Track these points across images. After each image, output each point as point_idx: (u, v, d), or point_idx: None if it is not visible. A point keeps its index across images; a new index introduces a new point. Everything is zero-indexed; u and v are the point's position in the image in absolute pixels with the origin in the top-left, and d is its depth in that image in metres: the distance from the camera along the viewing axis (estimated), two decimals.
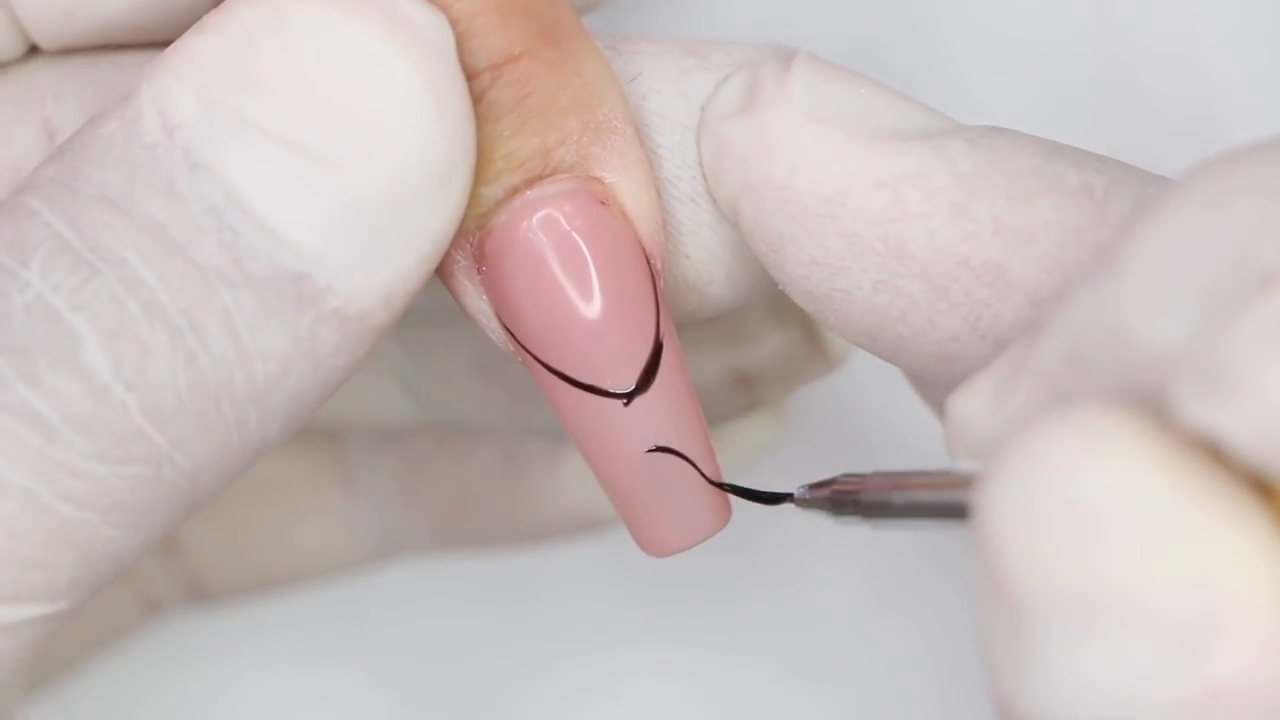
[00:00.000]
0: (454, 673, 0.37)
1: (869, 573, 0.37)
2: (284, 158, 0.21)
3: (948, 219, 0.23)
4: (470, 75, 0.22)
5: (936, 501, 0.22)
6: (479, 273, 0.23)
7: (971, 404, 0.21)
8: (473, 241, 0.23)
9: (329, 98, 0.21)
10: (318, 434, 0.32)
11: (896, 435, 0.38)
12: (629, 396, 0.24)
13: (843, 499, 0.23)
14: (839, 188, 0.23)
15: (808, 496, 0.24)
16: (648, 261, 0.23)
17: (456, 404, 0.30)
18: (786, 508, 0.24)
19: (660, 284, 0.24)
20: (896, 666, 0.37)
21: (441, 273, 0.24)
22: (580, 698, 0.37)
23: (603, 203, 0.23)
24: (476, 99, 0.22)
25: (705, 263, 0.24)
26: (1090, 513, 0.17)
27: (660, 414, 0.24)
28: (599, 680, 0.37)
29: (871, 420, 0.38)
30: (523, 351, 0.24)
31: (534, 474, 0.32)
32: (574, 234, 0.23)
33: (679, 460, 0.24)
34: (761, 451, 0.32)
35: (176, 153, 0.21)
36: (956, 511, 0.22)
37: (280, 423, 0.22)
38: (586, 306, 0.23)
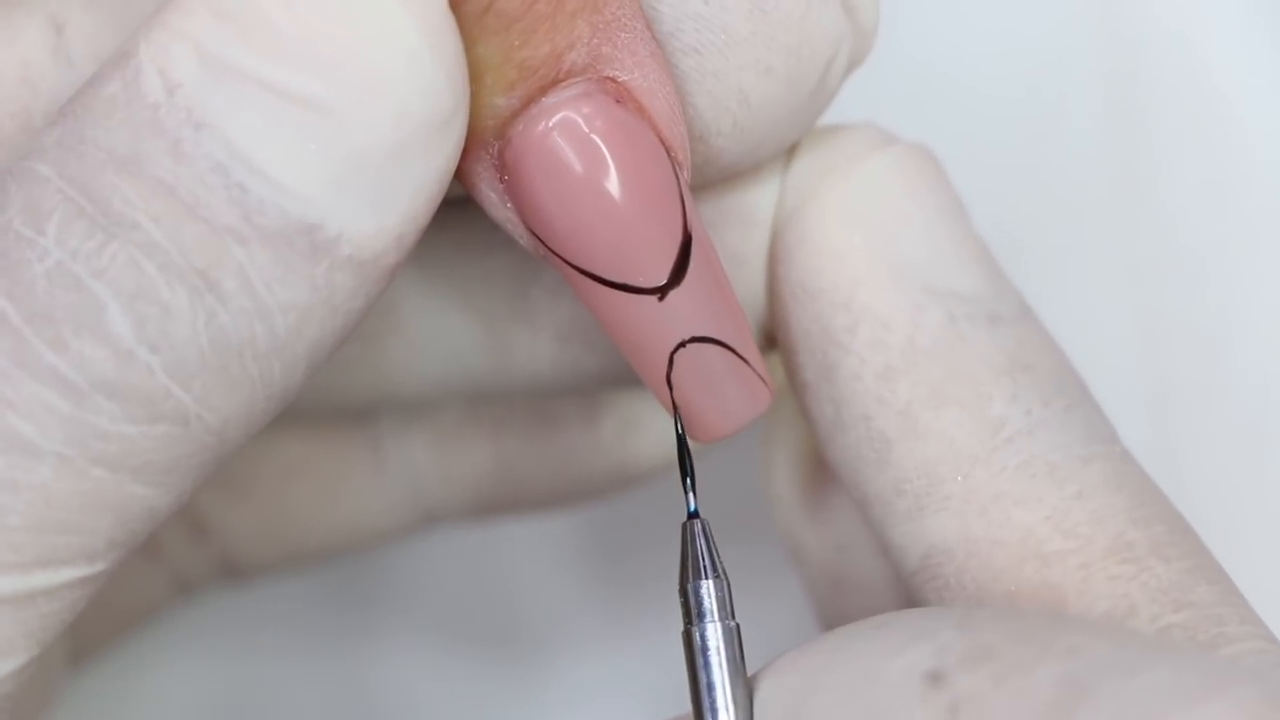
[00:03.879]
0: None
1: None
2: (286, 111, 0.21)
3: (878, 375, 0.25)
4: None
5: None
6: (501, 182, 0.23)
7: None
8: (492, 152, 0.23)
9: (327, 48, 0.21)
10: (347, 414, 0.32)
11: None
12: (662, 291, 0.24)
13: None
14: (819, 286, 0.25)
15: None
16: (669, 154, 0.24)
17: (500, 362, 0.30)
18: None
19: (684, 176, 0.24)
20: None
21: (465, 184, 0.24)
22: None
23: (618, 102, 0.23)
24: (485, 10, 0.22)
25: (711, 111, 0.25)
26: None
27: (695, 306, 0.24)
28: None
29: None
30: (553, 256, 0.24)
31: (571, 436, 0.32)
32: (593, 135, 0.23)
33: (718, 348, 0.24)
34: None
35: (179, 112, 0.21)
36: None
37: (302, 370, 0.22)
38: (611, 205, 0.23)
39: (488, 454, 0.32)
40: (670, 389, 0.25)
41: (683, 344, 0.24)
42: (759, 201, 0.27)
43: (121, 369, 0.21)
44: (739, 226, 0.27)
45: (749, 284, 0.27)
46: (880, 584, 0.29)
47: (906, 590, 0.26)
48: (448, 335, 0.29)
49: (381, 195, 0.22)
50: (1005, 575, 0.24)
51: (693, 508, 0.25)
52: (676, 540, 0.33)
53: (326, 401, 0.30)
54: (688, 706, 0.24)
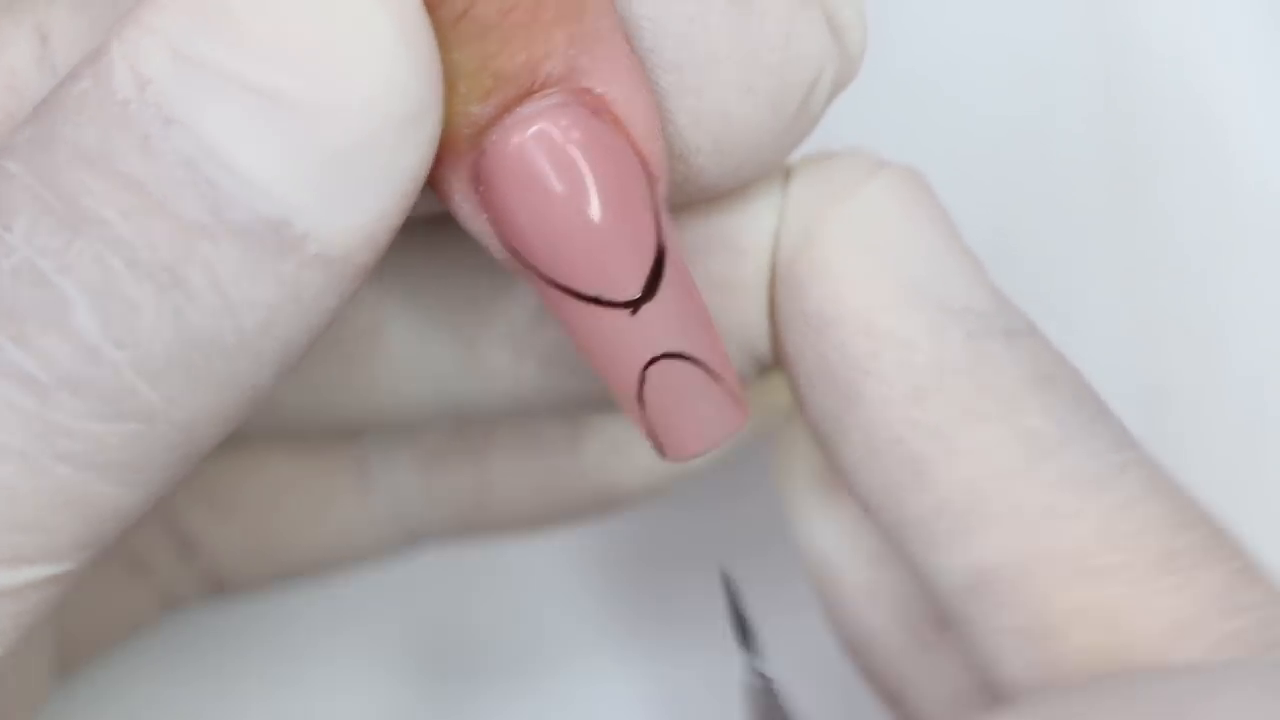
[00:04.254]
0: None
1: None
2: (256, 106, 0.21)
3: (907, 397, 0.25)
4: None
5: None
6: (476, 193, 0.23)
7: None
8: (467, 163, 0.23)
9: (298, 43, 0.21)
10: (334, 434, 0.32)
11: None
12: (635, 305, 0.24)
13: None
14: (837, 314, 0.25)
15: None
16: (645, 168, 0.23)
17: (484, 386, 0.29)
18: None
19: (660, 190, 0.24)
20: None
21: (441, 195, 0.24)
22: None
23: (595, 113, 0.23)
24: (460, 16, 0.22)
25: (690, 129, 0.24)
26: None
27: (667, 321, 0.24)
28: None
29: None
30: (526, 268, 0.23)
31: (555, 460, 0.31)
32: (569, 146, 0.23)
33: (690, 364, 0.24)
34: (780, 412, 0.31)
35: (149, 108, 0.21)
36: None
37: (272, 368, 0.22)
38: (586, 218, 0.23)
39: (472, 475, 0.32)
40: (642, 406, 0.24)
41: (655, 360, 0.24)
42: (746, 228, 0.27)
43: (87, 365, 0.21)
44: (724, 253, 0.27)
45: (738, 311, 0.27)
46: (900, 597, 0.29)
47: (950, 613, 0.25)
48: (431, 358, 0.29)
49: (351, 193, 0.21)
50: (1057, 594, 0.24)
51: (760, 669, 0.25)
52: (669, 559, 0.33)
53: (311, 422, 0.30)
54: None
